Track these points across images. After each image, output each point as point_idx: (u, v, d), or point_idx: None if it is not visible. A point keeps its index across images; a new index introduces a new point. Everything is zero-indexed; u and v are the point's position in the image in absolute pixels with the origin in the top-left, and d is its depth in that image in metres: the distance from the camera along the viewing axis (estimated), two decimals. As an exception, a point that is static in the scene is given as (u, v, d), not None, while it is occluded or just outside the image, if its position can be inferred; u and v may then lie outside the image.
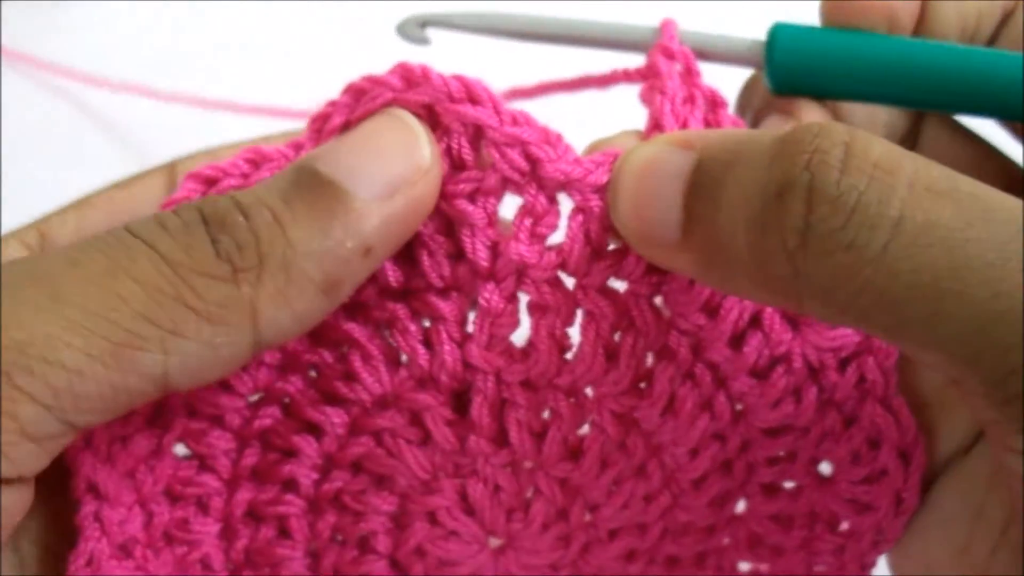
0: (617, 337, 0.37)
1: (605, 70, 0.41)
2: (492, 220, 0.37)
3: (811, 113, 0.38)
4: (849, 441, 0.38)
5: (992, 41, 0.39)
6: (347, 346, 0.38)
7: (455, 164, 0.36)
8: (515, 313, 0.37)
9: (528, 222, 0.36)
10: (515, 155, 0.36)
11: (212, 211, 0.33)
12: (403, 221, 0.35)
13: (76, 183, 0.75)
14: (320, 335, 0.38)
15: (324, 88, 0.75)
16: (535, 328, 0.37)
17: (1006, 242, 0.29)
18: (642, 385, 0.38)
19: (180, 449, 0.38)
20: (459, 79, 0.36)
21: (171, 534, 0.38)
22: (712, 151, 0.33)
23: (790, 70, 0.38)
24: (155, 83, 0.77)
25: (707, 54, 0.39)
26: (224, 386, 0.37)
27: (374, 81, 0.37)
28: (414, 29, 0.40)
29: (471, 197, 0.36)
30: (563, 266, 0.37)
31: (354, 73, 0.38)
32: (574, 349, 0.38)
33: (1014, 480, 0.32)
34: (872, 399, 0.38)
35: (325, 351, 0.38)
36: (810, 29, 0.38)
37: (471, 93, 0.36)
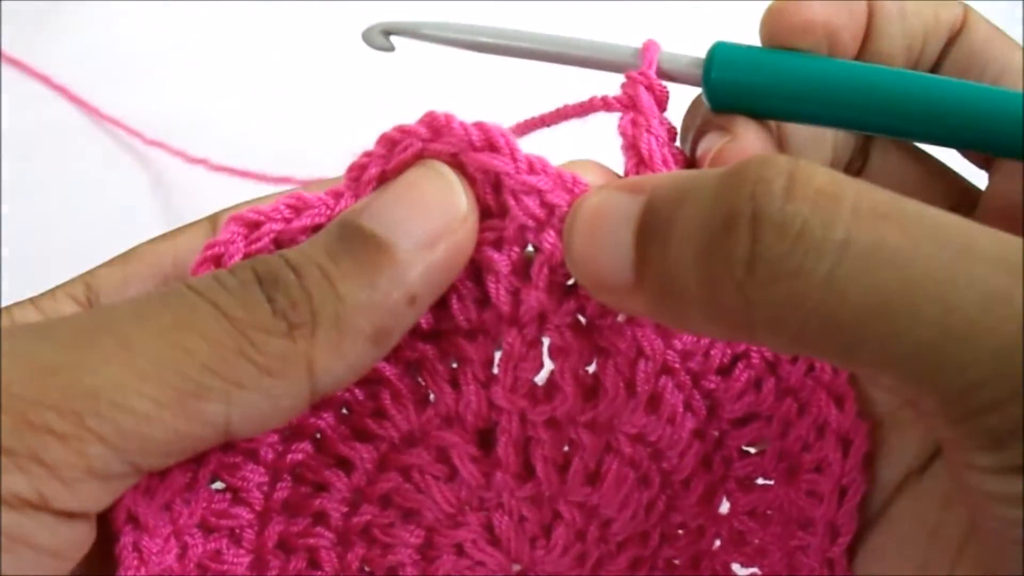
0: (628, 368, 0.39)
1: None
2: (516, 267, 0.38)
3: (747, 130, 0.38)
4: (801, 427, 0.40)
5: (937, 64, 0.40)
6: (378, 384, 0.40)
7: (482, 212, 0.38)
8: (538, 357, 0.39)
9: (546, 270, 0.37)
10: (531, 203, 0.37)
11: (265, 270, 0.35)
12: (445, 269, 0.36)
13: (76, 186, 0.76)
14: None
15: (316, 95, 0.75)
16: (560, 372, 0.39)
17: (953, 259, 0.29)
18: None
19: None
20: (479, 127, 0.37)
21: (204, 565, 0.39)
22: (661, 192, 0.33)
23: (727, 89, 0.38)
24: (153, 84, 0.78)
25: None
26: None
27: (404, 131, 0.38)
28: (378, 37, 0.40)
29: (496, 244, 0.38)
30: (582, 311, 0.38)
31: (362, 99, 0.38)
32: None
33: (975, 497, 0.32)
34: (820, 387, 0.40)
35: (357, 389, 0.40)
36: (749, 49, 0.38)
37: (490, 140, 0.37)
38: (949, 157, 0.42)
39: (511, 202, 0.37)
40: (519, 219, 0.37)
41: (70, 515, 0.32)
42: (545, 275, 0.37)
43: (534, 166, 0.37)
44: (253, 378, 0.33)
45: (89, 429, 0.32)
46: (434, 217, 0.36)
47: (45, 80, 0.81)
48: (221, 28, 0.82)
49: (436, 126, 0.37)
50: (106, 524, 0.37)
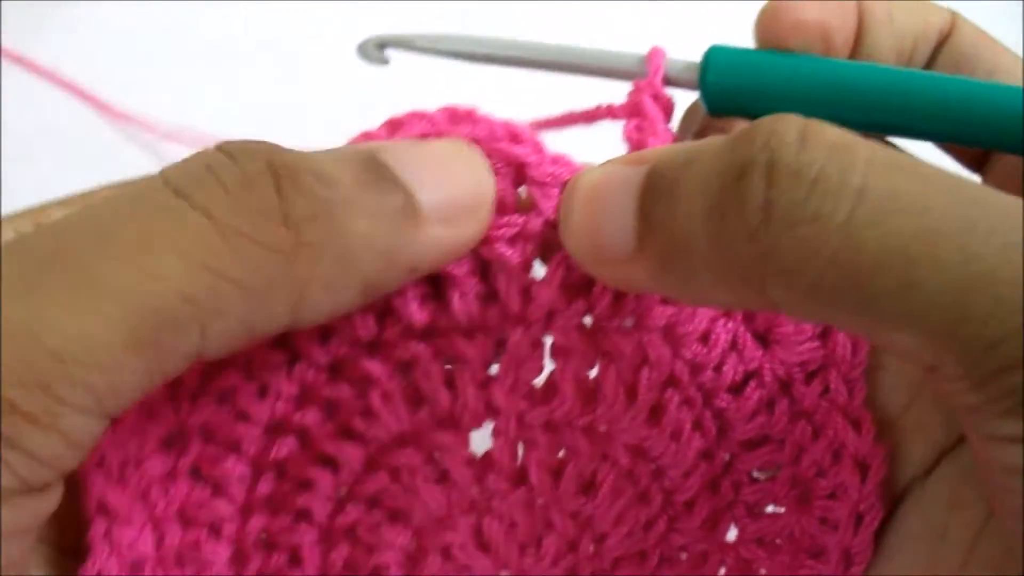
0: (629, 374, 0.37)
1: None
2: (528, 265, 0.37)
3: None
4: (816, 452, 0.39)
5: (927, 67, 0.39)
6: (367, 384, 0.38)
7: (499, 207, 0.36)
8: (541, 358, 0.38)
9: (563, 269, 0.36)
10: (557, 194, 0.36)
11: (282, 163, 0.30)
12: (453, 251, 0.35)
13: (77, 185, 0.75)
14: (340, 370, 0.38)
15: (323, 93, 0.74)
16: (561, 372, 0.38)
17: (970, 208, 0.28)
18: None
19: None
20: (502, 122, 0.36)
21: (182, 555, 0.38)
22: (666, 157, 0.32)
23: (724, 92, 0.37)
24: (152, 84, 0.77)
25: None
26: (241, 415, 0.37)
27: (419, 116, 0.36)
28: (373, 50, 0.39)
29: (511, 241, 0.36)
30: (590, 311, 0.37)
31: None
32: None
33: (996, 473, 0.30)
34: (835, 409, 0.39)
35: (344, 386, 0.38)
36: (745, 52, 0.38)
37: (513, 134, 0.36)
38: (948, 163, 0.41)
39: (536, 193, 0.36)
40: (545, 212, 0.36)
41: (46, 486, 0.30)
42: (561, 273, 0.36)
43: (558, 161, 0.36)
44: (234, 305, 0.29)
45: (61, 400, 0.28)
46: (463, 191, 0.34)
47: (51, 76, 0.80)
48: (228, 28, 0.81)
49: (456, 118, 0.36)
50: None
